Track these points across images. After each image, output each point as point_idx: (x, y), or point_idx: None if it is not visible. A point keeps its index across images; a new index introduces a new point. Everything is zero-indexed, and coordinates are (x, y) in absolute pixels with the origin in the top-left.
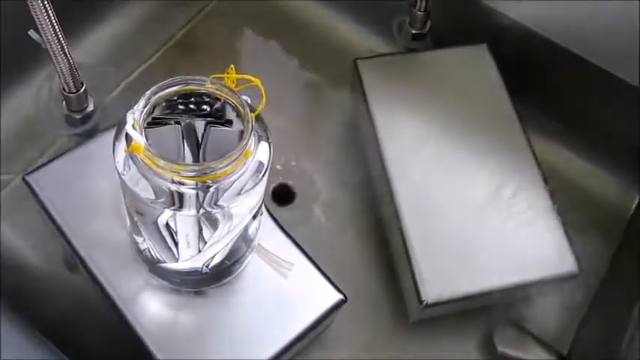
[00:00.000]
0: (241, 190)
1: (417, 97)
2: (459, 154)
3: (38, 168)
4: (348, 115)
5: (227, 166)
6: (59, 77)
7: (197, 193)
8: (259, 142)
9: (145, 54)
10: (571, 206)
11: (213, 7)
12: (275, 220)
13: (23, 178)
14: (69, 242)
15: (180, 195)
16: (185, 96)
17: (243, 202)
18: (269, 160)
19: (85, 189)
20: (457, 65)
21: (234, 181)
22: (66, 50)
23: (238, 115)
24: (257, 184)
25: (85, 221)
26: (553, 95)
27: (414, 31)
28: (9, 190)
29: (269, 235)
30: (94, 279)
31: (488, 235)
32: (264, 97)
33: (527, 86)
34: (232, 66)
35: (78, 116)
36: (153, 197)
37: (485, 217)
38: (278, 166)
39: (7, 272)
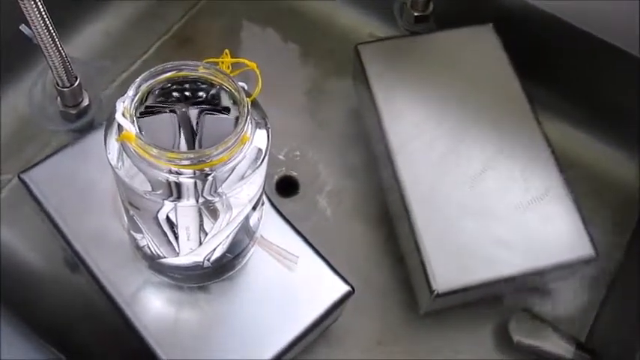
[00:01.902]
0: (240, 177)
1: (421, 81)
2: (468, 138)
3: (34, 165)
4: (351, 102)
5: (223, 152)
6: (52, 72)
7: (195, 182)
8: (257, 128)
9: (141, 48)
10: (583, 189)
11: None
12: (278, 211)
13: (19, 176)
14: (66, 240)
15: (178, 185)
16: (179, 83)
17: (243, 190)
18: (267, 147)
19: (82, 185)
20: (462, 47)
21: (233, 169)
22: (58, 44)
23: (234, 102)
24: (255, 171)
25: (83, 218)
26: (562, 74)
27: (416, 14)
28: (8, 190)
29: (272, 228)
30: (93, 277)
31: (501, 221)
32: (259, 81)
33: (535, 66)
34: (227, 50)
35: (73, 111)
36: (150, 189)
37: (496, 202)
38: (281, 157)
39: (7, 273)
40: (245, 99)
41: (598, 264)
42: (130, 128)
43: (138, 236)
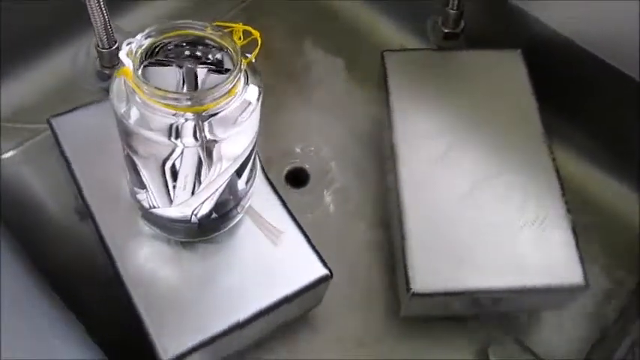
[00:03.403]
0: (233, 123)
1: (439, 95)
2: (474, 154)
3: (64, 113)
4: (374, 108)
5: (210, 98)
6: (94, 33)
7: (195, 125)
8: (249, 84)
9: None
10: (588, 222)
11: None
12: (274, 189)
13: (48, 120)
14: (78, 187)
15: (176, 127)
16: (189, 43)
17: (235, 140)
18: (257, 102)
19: (103, 139)
20: (487, 68)
21: (223, 116)
22: (102, 7)
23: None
24: (246, 121)
25: (96, 168)
26: (586, 108)
27: (446, 30)
28: (41, 137)
29: (265, 203)
30: (94, 224)
31: (493, 236)
32: (259, 46)
33: (558, 96)
34: (240, 23)
35: (108, 72)
36: (154, 131)
37: (493, 218)
38: (297, 149)
39: (23, 211)
40: (239, 55)
41: (593, 301)
42: (129, 65)
43: (139, 191)
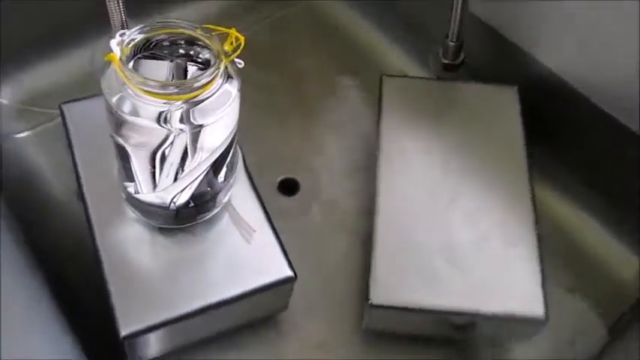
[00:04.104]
0: (214, 111)
1: (430, 122)
2: (455, 180)
3: (75, 100)
4: (369, 127)
5: (189, 89)
6: (112, 30)
7: (178, 112)
8: (230, 79)
9: None
10: (562, 262)
11: (276, 17)
12: (256, 190)
13: (59, 106)
14: (75, 165)
15: (165, 114)
16: (181, 41)
17: (216, 129)
18: (237, 93)
19: (107, 127)
20: (481, 101)
21: (207, 104)
22: (120, 6)
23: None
24: (226, 111)
25: (95, 153)
26: (576, 152)
27: (445, 61)
28: (54, 123)
29: (245, 203)
30: (83, 200)
31: (462, 260)
32: (242, 46)
33: (551, 137)
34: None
35: None
36: (144, 118)
37: (462, 242)
38: (292, 160)
39: (27, 187)
40: (221, 52)
41: (558, 344)
42: (117, 52)
43: (128, 184)
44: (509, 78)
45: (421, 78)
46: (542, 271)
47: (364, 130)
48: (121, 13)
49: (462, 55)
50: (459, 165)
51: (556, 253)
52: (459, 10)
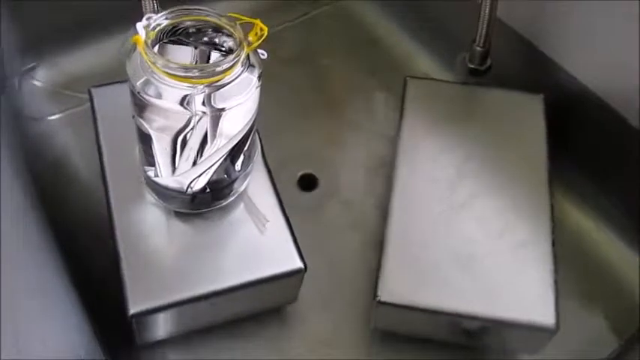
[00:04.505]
0: (236, 96)
1: (451, 126)
2: (472, 184)
3: (104, 85)
4: (392, 129)
5: (210, 74)
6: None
7: (201, 96)
8: (250, 68)
9: None
10: (578, 273)
11: (308, 16)
12: (273, 182)
13: (89, 90)
14: (99, 147)
15: (188, 97)
16: (209, 29)
17: (234, 116)
18: (258, 80)
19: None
20: (505, 108)
21: (228, 89)
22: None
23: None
24: (247, 96)
25: (119, 136)
26: (600, 162)
27: (471, 66)
28: (86, 107)
29: (261, 194)
30: (104, 181)
31: (473, 262)
32: (265, 36)
33: (575, 147)
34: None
35: None
36: (169, 101)
37: (475, 246)
38: (314, 157)
39: (54, 167)
40: (243, 41)
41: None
42: (142, 34)
43: (148, 168)
44: (535, 86)
45: (446, 81)
46: (556, 280)
47: (386, 130)
48: (153, 2)
49: (489, 61)
50: (477, 169)
51: (573, 264)
52: (486, 16)
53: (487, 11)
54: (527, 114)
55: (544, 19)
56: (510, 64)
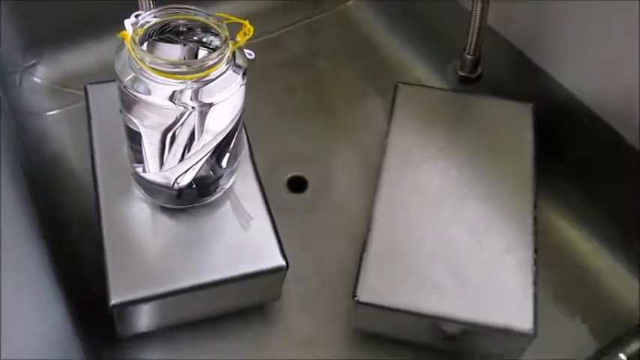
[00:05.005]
0: (222, 90)
1: (439, 132)
2: (456, 192)
3: (100, 82)
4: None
5: (197, 69)
6: None
7: (189, 91)
8: (235, 65)
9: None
10: (563, 281)
11: (309, 21)
12: (259, 181)
13: (85, 86)
14: (91, 142)
15: (174, 92)
16: (199, 28)
17: (220, 112)
18: (243, 77)
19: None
20: (494, 116)
21: (215, 84)
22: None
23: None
24: (233, 92)
25: (111, 132)
26: (588, 172)
27: (462, 74)
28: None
29: (247, 193)
30: (93, 174)
31: (454, 268)
32: (250, 33)
33: (562, 155)
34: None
35: None
36: (158, 97)
37: (457, 250)
38: (304, 159)
39: (49, 161)
40: (228, 39)
41: None
42: (129, 30)
43: (137, 165)
44: (526, 95)
45: (436, 88)
46: (536, 286)
47: (377, 135)
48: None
49: (480, 70)
50: (462, 175)
51: (558, 272)
52: (476, 24)
53: (477, 20)
54: (516, 122)
55: (536, 29)
56: (502, 73)
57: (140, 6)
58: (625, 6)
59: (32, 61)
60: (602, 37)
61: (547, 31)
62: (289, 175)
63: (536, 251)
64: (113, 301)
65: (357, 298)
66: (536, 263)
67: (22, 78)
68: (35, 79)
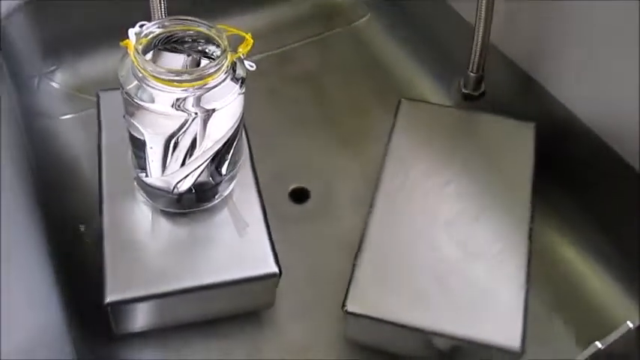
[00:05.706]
0: (222, 97)
1: (440, 148)
2: (452, 207)
3: (112, 89)
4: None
5: (197, 77)
6: None
7: (191, 98)
8: (235, 75)
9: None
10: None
11: (319, 37)
12: (259, 190)
13: (97, 93)
14: (99, 147)
15: (177, 100)
16: (203, 39)
17: (220, 120)
18: (242, 86)
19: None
20: (496, 134)
21: (215, 91)
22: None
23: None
24: (233, 99)
25: (119, 139)
26: (586, 192)
27: (465, 91)
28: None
29: (244, 196)
30: (99, 177)
31: (446, 283)
32: (250, 45)
33: (562, 175)
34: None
35: None
36: (159, 104)
37: (451, 265)
38: (307, 171)
39: (59, 163)
40: (228, 49)
41: None
42: (132, 39)
43: (140, 171)
44: (528, 114)
45: (438, 105)
46: (526, 304)
47: (381, 149)
48: (161, 11)
49: (483, 87)
50: (460, 190)
51: (553, 290)
52: (479, 42)
53: (480, 38)
54: (517, 141)
55: (540, 49)
56: (505, 91)
57: (152, 16)
58: (627, 30)
59: (52, 67)
60: (604, 59)
61: (550, 51)
62: (292, 187)
63: (528, 269)
64: (108, 299)
65: (345, 308)
66: (528, 280)
67: (40, 82)
68: (53, 83)
